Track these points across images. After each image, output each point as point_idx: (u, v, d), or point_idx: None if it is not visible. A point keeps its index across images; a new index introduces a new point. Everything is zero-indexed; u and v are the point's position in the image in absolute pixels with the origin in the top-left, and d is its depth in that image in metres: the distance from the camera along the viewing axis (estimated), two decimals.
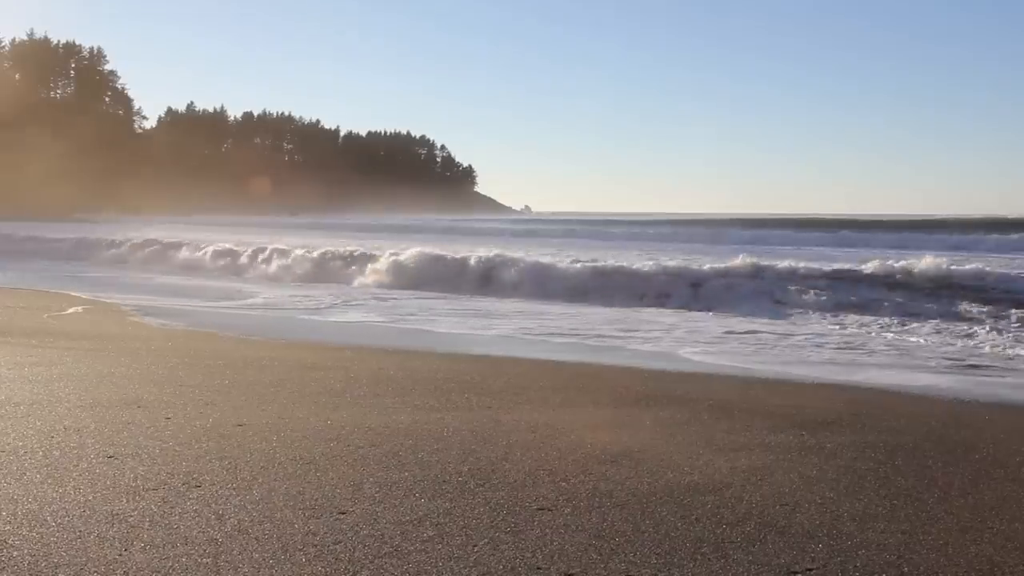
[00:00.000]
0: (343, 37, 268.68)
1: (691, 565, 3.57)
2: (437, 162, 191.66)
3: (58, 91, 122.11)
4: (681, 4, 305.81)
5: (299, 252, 24.42)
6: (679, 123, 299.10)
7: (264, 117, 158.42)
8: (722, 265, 18.44)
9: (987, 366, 9.31)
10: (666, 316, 14.17)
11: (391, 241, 32.43)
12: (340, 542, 3.67)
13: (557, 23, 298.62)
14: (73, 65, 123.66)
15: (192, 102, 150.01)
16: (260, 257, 25.11)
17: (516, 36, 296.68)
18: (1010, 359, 9.71)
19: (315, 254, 23.96)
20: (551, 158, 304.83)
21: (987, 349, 10.34)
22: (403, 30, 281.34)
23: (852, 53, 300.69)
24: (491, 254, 21.15)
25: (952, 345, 10.77)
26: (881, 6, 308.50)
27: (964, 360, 9.66)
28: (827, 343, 10.94)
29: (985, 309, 13.72)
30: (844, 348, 10.55)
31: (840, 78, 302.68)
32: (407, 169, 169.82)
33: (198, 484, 4.37)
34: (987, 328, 12.02)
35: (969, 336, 11.41)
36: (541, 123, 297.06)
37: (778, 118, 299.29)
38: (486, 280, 19.49)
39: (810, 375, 8.81)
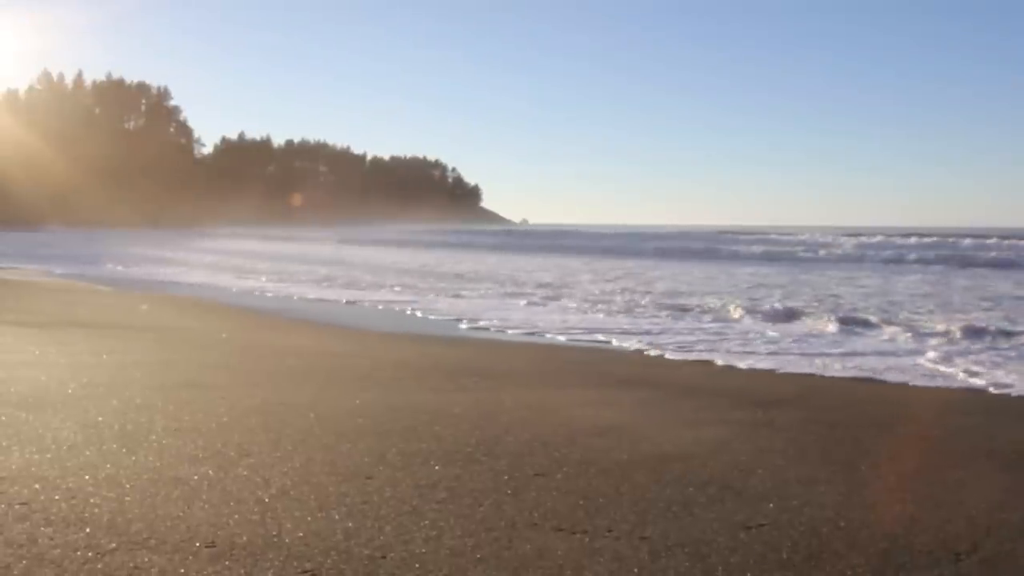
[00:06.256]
0: (369, 75, 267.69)
1: (663, 522, 3.56)
2: (448, 182, 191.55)
3: (131, 123, 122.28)
4: (679, 20, 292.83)
5: None
6: (669, 137, 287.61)
7: (303, 144, 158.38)
8: None
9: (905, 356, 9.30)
10: None
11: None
12: (367, 503, 3.66)
13: (556, 53, 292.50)
14: (144, 101, 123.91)
15: (243, 132, 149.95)
16: None
17: (516, 61, 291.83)
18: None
19: None
20: (543, 172, 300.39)
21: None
22: (418, 63, 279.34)
23: (852, 57, 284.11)
24: None
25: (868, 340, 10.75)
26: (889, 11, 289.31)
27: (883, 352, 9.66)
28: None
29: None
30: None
31: (840, 85, 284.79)
32: (423, 189, 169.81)
33: (248, 454, 4.36)
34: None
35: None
36: (536, 140, 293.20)
37: (773, 131, 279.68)
38: None
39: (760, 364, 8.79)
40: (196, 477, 3.91)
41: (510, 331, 11.30)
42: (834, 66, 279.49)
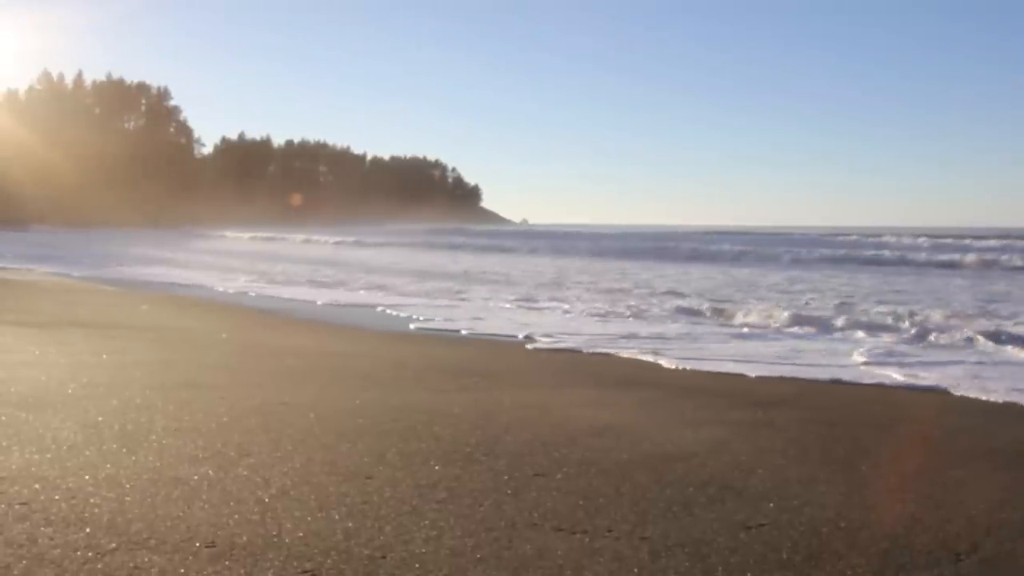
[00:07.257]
0: (369, 75, 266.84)
1: (663, 522, 3.56)
2: (448, 182, 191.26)
3: (131, 123, 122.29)
4: (682, 21, 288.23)
5: None
6: (671, 138, 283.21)
7: (303, 144, 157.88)
8: None
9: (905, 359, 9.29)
10: None
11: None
12: (367, 503, 3.66)
13: (558, 53, 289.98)
14: (144, 101, 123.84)
15: (243, 132, 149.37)
16: None
17: (518, 61, 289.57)
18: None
19: None
20: (544, 172, 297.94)
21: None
22: (419, 63, 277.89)
23: (854, 58, 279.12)
24: None
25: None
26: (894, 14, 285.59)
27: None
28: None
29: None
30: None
31: (843, 87, 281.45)
32: (423, 189, 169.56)
33: (248, 454, 4.36)
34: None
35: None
36: (537, 141, 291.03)
37: (776, 131, 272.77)
38: None
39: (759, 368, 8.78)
40: (196, 477, 3.91)
41: (504, 333, 11.29)
42: (837, 67, 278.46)
